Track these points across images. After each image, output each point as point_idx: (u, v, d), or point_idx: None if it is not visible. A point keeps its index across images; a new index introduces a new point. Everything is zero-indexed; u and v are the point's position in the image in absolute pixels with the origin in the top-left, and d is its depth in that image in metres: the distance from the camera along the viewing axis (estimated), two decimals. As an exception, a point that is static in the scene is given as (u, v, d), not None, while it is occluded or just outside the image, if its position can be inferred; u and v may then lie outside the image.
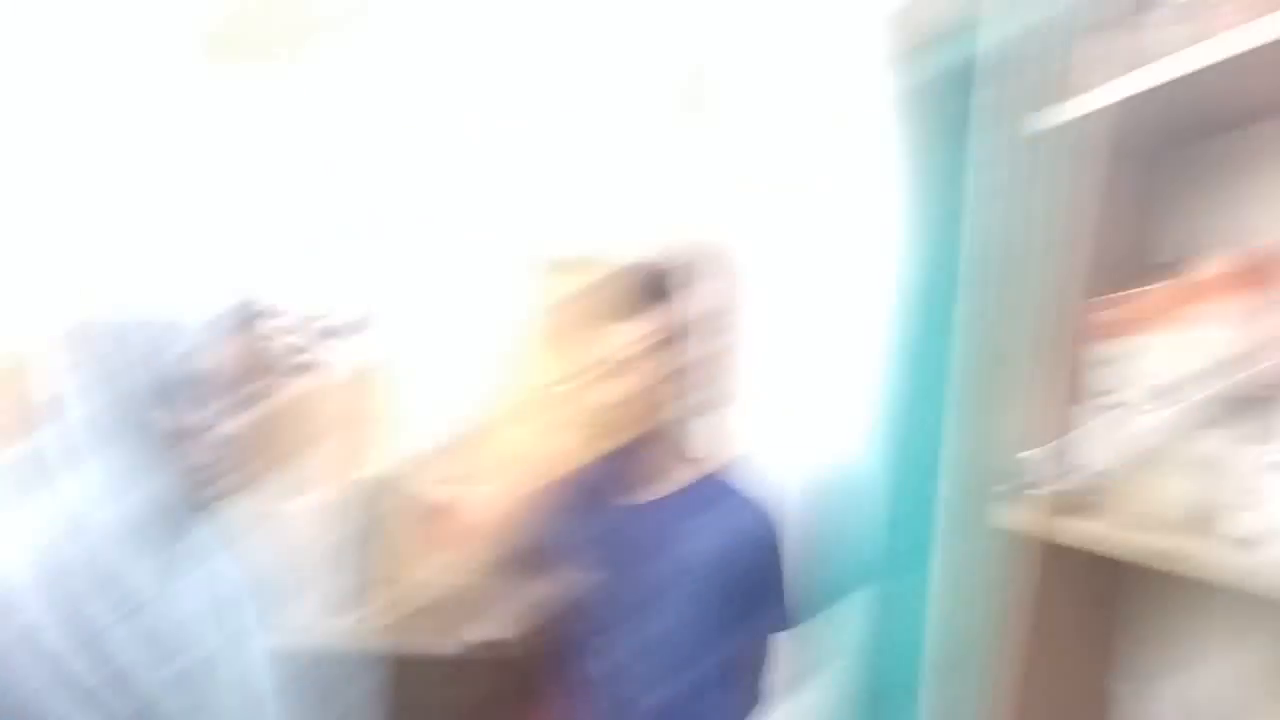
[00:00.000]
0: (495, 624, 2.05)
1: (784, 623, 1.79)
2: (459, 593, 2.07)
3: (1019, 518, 1.25)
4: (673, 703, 1.67)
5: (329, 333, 2.22)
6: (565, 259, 2.16)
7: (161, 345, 0.96)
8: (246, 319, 1.04)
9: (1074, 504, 1.19)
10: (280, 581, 1.94)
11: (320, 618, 2.09)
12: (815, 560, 2.02)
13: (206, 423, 0.99)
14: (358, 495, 2.18)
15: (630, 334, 1.70)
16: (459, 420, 2.46)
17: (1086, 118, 1.19)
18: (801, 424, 2.16)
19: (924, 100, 1.99)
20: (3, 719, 0.87)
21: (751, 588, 1.73)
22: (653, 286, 1.76)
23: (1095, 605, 1.32)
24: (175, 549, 1.01)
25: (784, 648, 1.90)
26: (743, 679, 1.81)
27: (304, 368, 2.11)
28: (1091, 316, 1.28)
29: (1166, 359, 1.14)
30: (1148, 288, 1.19)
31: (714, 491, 1.77)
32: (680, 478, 1.76)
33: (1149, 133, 1.27)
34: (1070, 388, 1.30)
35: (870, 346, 2.10)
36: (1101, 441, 1.23)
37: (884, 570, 2.06)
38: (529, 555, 1.79)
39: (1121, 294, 1.23)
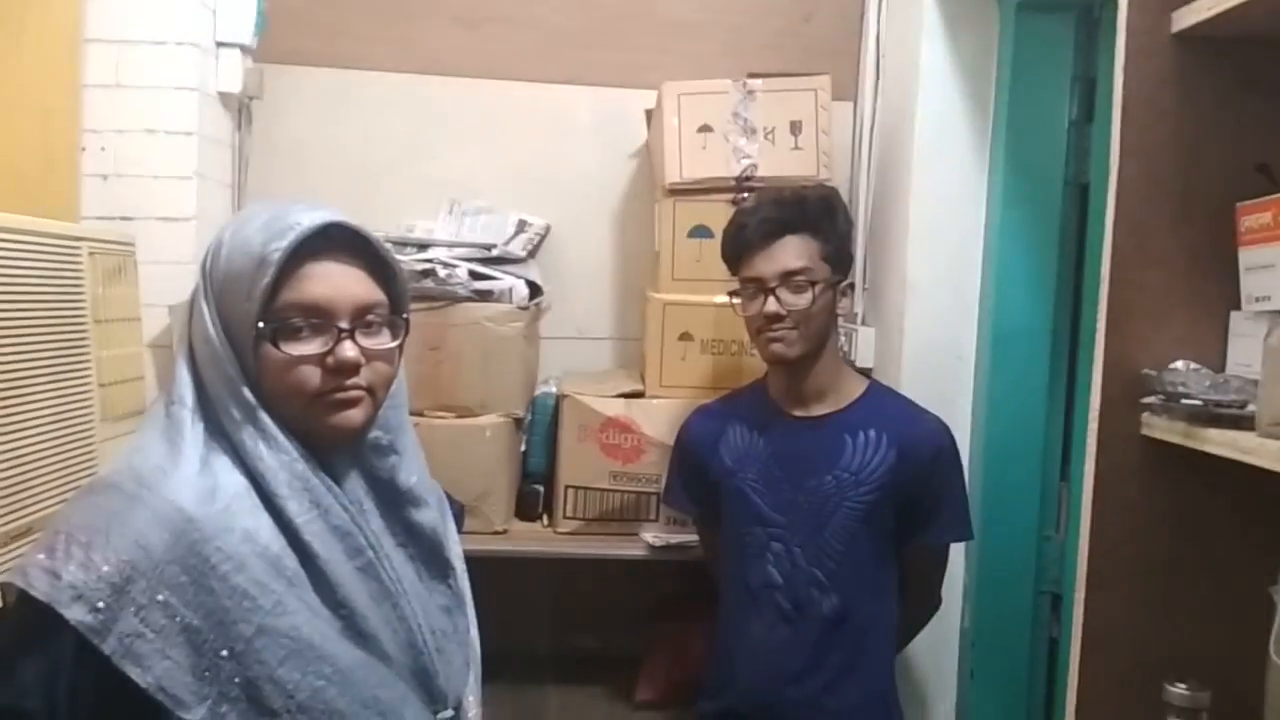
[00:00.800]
0: (674, 531, 2.15)
1: (959, 531, 1.82)
2: (640, 500, 2.18)
3: (1169, 428, 1.23)
4: (853, 607, 1.72)
5: (501, 260, 2.34)
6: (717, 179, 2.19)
7: (256, 276, 0.95)
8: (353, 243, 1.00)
9: (1225, 414, 1.15)
10: (472, 491, 2.12)
11: (509, 524, 2.25)
12: (979, 473, 2.03)
13: (321, 349, 0.98)
14: (539, 410, 2.33)
15: (802, 252, 1.74)
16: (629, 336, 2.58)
17: (1233, 11, 1.12)
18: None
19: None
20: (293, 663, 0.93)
21: (927, 496, 1.76)
22: (819, 209, 1.78)
23: (1253, 515, 1.29)
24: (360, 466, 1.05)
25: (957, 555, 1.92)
26: (920, 585, 1.85)
27: (481, 294, 2.25)
28: (1245, 220, 1.22)
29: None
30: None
31: (885, 403, 1.81)
32: (851, 390, 1.81)
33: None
34: (1223, 294, 1.26)
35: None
36: (1254, 349, 1.19)
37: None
38: (706, 468, 1.86)
39: (1277, 196, 1.17)
